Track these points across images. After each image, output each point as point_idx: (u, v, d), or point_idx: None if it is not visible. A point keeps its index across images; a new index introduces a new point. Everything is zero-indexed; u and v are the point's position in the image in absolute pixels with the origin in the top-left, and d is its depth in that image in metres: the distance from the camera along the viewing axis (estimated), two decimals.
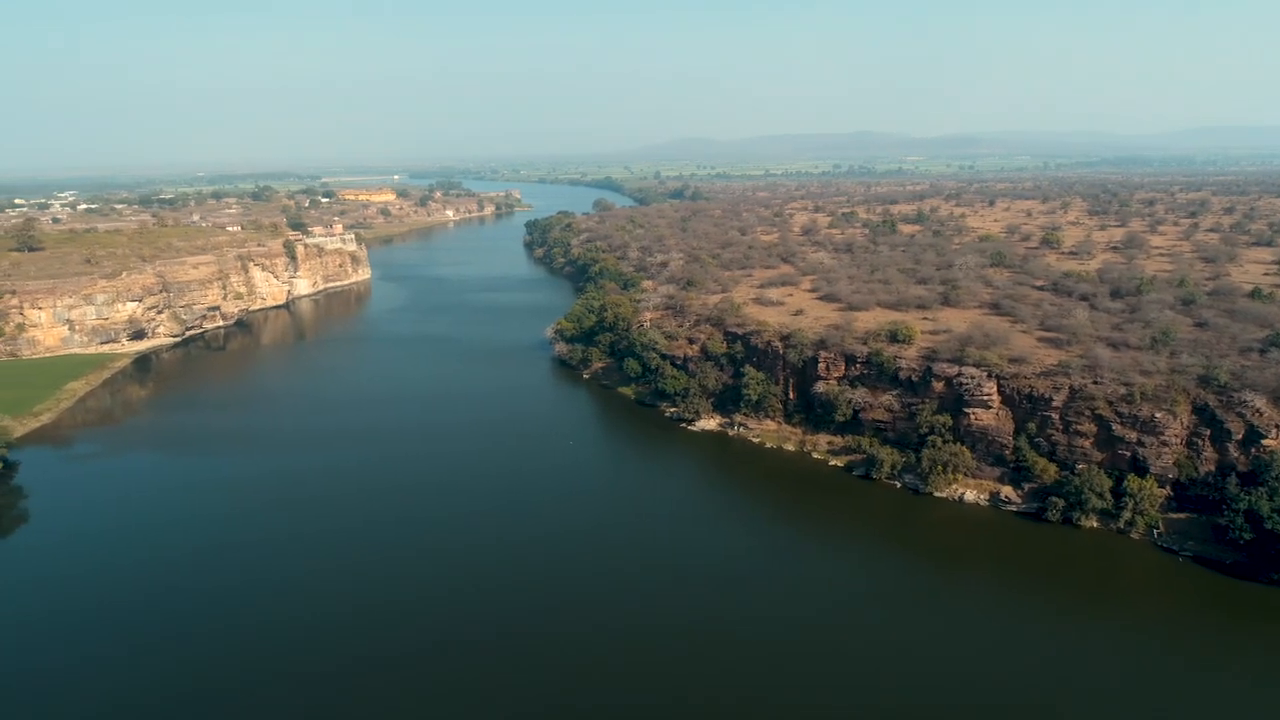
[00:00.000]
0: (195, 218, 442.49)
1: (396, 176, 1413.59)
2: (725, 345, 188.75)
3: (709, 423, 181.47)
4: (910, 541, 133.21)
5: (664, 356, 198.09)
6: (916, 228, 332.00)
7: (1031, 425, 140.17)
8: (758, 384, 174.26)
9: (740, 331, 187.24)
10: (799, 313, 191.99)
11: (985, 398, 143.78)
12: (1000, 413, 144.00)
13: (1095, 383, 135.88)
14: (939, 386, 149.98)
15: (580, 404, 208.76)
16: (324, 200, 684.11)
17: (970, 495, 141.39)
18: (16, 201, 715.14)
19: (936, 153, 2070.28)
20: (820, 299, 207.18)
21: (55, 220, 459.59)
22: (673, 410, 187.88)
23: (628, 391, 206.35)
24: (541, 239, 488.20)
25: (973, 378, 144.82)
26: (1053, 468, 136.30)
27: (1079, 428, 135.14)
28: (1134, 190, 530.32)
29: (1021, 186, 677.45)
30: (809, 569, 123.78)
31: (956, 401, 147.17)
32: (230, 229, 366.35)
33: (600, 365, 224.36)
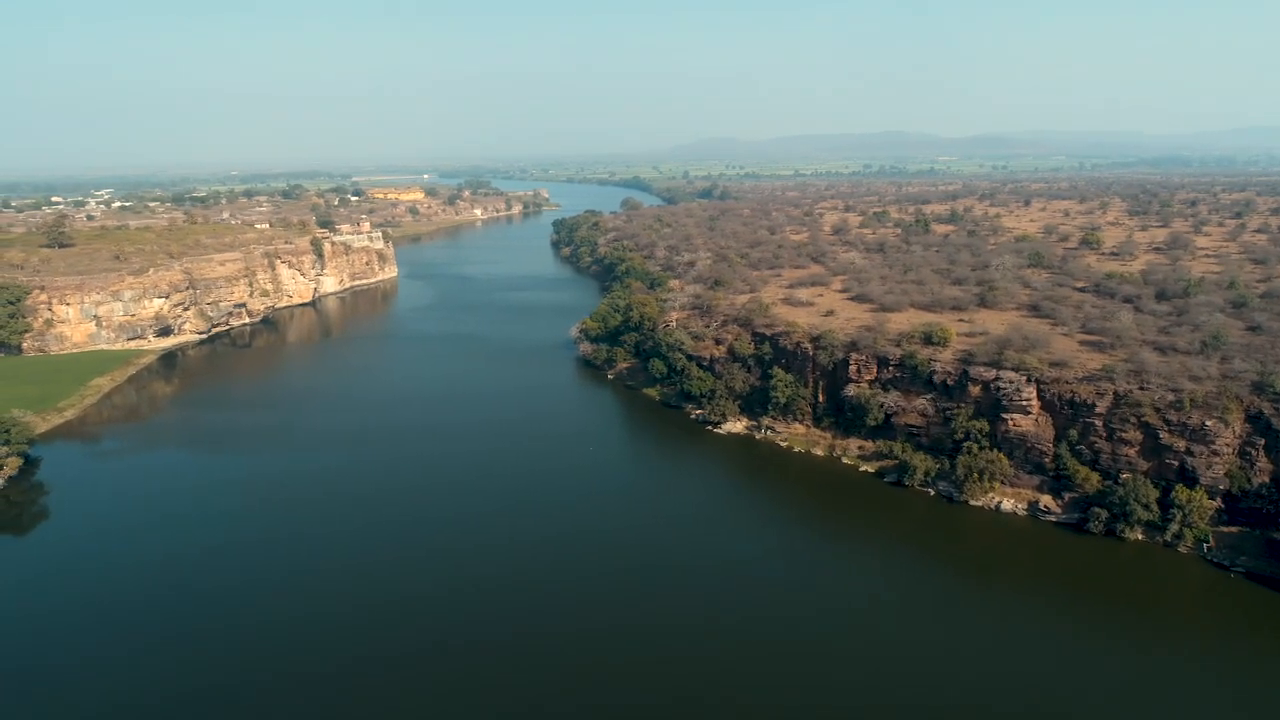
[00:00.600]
0: (225, 215, 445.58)
1: (426, 176, 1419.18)
2: (753, 346, 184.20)
3: (735, 425, 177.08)
4: (942, 550, 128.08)
5: (690, 357, 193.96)
6: (950, 228, 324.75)
7: (1073, 432, 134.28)
8: (786, 386, 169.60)
9: (769, 332, 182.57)
10: (829, 313, 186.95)
11: (1024, 403, 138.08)
12: (1040, 419, 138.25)
13: (1142, 388, 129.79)
14: (975, 390, 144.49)
15: (604, 405, 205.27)
16: (353, 199, 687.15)
17: (1007, 504, 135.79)
18: (54, 199, 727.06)
19: (968, 153, 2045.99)
20: (851, 300, 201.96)
21: (90, 218, 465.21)
22: (698, 412, 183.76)
23: (653, 393, 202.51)
24: (568, 238, 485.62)
25: (1011, 382, 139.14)
26: (1095, 477, 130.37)
27: (1124, 435, 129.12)
28: (1174, 190, 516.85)
29: (1057, 186, 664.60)
30: (832, 575, 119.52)
31: (994, 406, 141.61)
32: (259, 226, 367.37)
33: (625, 366, 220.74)
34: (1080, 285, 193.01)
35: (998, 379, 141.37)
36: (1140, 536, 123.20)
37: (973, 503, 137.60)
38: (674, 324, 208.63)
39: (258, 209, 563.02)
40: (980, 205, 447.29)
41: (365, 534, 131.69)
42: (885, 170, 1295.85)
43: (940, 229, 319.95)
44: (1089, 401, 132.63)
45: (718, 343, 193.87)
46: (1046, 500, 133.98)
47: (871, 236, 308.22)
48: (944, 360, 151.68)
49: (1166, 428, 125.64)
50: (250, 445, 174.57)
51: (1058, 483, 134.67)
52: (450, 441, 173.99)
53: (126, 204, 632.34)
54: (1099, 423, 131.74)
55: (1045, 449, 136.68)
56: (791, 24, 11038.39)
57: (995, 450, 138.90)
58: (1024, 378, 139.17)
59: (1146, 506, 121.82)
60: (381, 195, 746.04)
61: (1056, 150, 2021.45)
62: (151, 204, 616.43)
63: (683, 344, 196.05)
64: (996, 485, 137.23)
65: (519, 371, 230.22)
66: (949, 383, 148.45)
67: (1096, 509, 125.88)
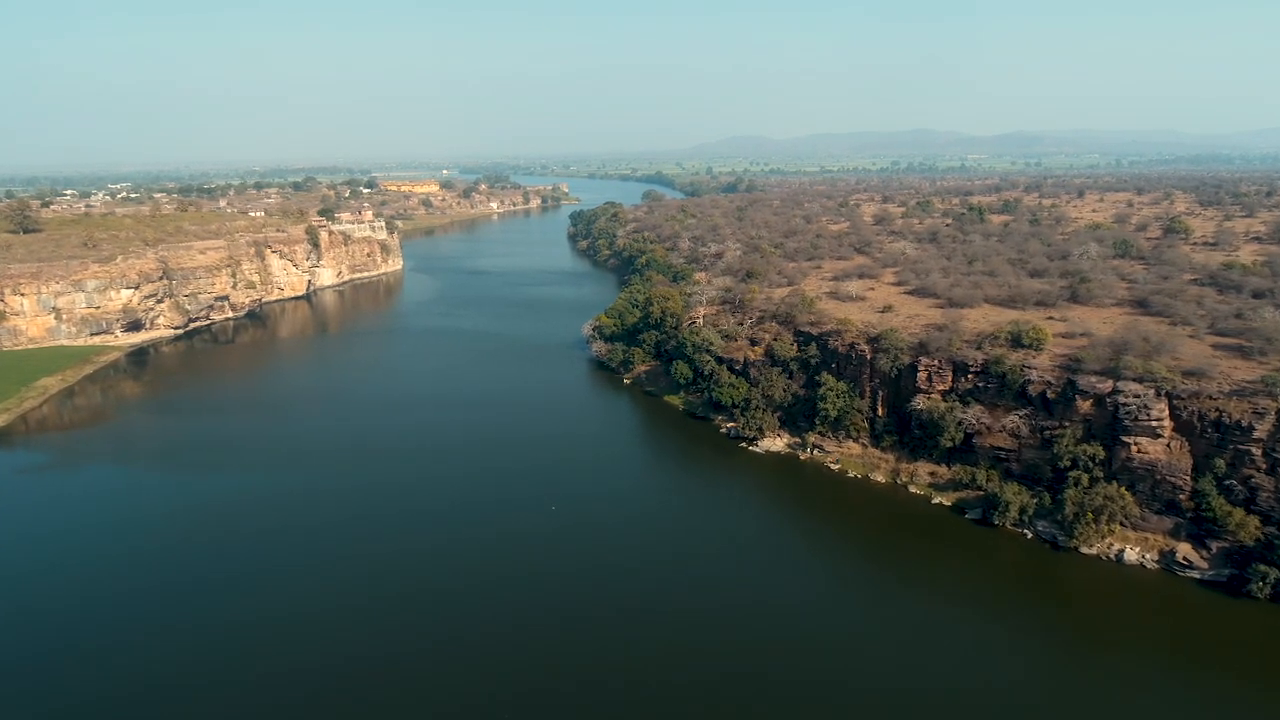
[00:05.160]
0: (222, 204, 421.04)
1: (446, 171, 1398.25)
2: (796, 348, 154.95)
3: (775, 442, 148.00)
4: (1055, 614, 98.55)
5: (720, 360, 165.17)
6: (1006, 217, 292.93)
7: (1220, 462, 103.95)
8: (838, 396, 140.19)
9: (815, 331, 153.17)
10: (887, 309, 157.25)
11: (1153, 423, 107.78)
12: (1173, 444, 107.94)
13: None
14: (1085, 406, 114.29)
15: (618, 414, 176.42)
16: (366, 191, 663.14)
17: (1132, 553, 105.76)
18: (65, 192, 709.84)
19: (999, 150, 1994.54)
20: (910, 294, 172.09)
21: (89, 207, 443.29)
22: (730, 425, 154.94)
23: (675, 400, 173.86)
24: (585, 230, 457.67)
25: (1137, 396, 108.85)
26: (1253, 521, 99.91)
27: None
28: (1234, 184, 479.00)
29: (1102, 180, 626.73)
30: (906, 639, 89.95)
31: (1110, 427, 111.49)
32: (252, 214, 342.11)
33: (644, 368, 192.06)
34: (1191, 278, 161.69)
35: (1116, 391, 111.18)
36: None
37: (1084, 550, 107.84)
38: (700, 321, 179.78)
39: (265, 200, 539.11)
40: (1028, 197, 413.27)
41: (328, 561, 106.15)
42: (915, 167, 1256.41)
43: (996, 219, 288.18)
44: (1243, 423, 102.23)
45: (753, 343, 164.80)
46: (1185, 550, 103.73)
47: (920, 226, 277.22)
48: (1040, 367, 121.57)
49: None
50: (202, 459, 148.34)
51: (1198, 527, 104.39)
52: (434, 456, 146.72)
53: (133, 195, 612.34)
54: (1257, 450, 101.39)
55: (1181, 483, 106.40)
56: (817, 21, 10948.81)
57: (1113, 483, 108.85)
58: (1152, 390, 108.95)
59: None
60: (395, 188, 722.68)
61: (1089, 148, 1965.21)
62: (158, 195, 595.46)
63: (711, 344, 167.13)
64: (1116, 528, 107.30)
65: (525, 375, 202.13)
66: (1049, 395, 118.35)
67: (1260, 565, 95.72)
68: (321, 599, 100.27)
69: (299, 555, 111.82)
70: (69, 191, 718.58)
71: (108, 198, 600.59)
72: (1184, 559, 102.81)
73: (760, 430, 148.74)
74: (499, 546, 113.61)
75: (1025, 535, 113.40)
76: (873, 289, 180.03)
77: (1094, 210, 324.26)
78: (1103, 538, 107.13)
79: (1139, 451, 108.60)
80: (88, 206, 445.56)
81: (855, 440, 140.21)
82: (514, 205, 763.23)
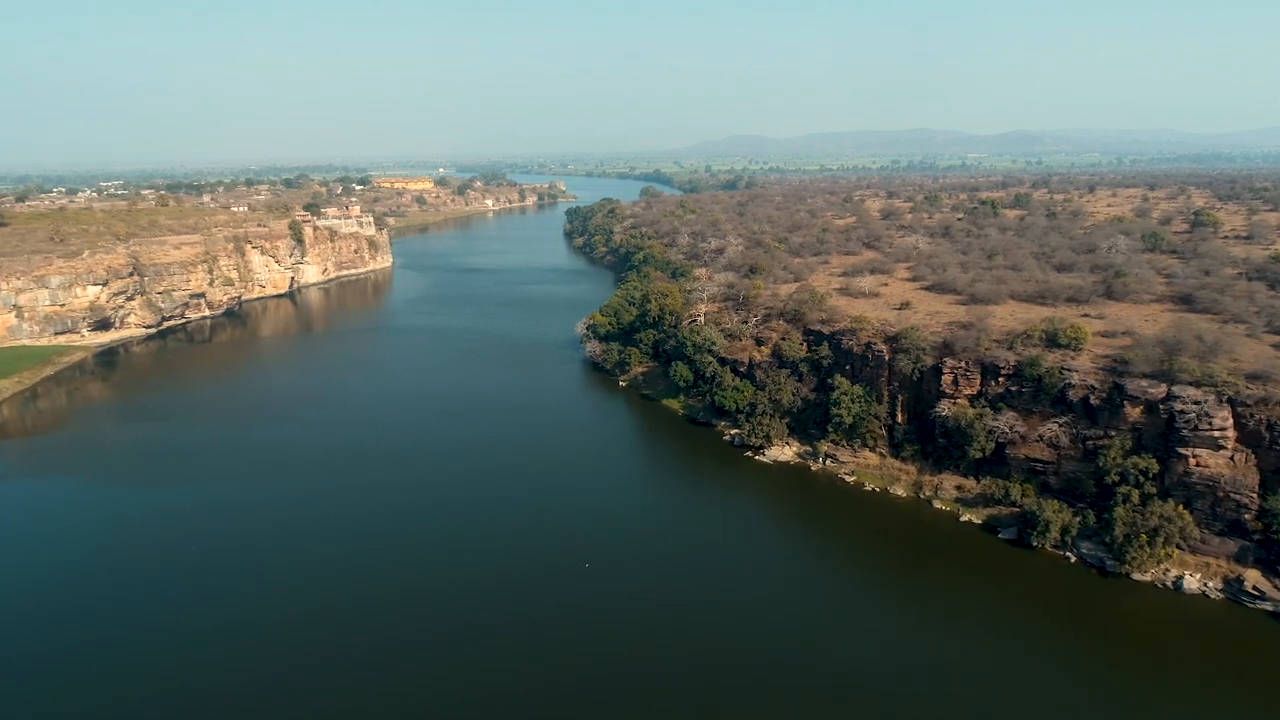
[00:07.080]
0: (205, 199, 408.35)
1: (442, 170, 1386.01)
2: (806, 348, 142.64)
3: (783, 451, 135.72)
4: (1097, 646, 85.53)
5: (723, 361, 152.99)
6: (1020, 211, 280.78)
7: None
8: (853, 401, 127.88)
9: (827, 330, 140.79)
10: (904, 306, 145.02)
11: (1215, 433, 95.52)
12: (1238, 456, 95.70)
13: None
14: (1134, 413, 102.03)
15: (613, 420, 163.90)
16: (358, 188, 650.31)
17: (1192, 581, 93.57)
18: (54, 190, 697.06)
19: (998, 149, 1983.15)
20: (927, 289, 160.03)
21: (71, 202, 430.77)
22: (734, 432, 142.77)
23: (674, 404, 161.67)
24: (582, 227, 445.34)
25: (1196, 402, 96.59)
26: None
27: None
28: (1247, 180, 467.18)
29: (1109, 177, 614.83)
30: (922, 673, 77.40)
31: (1163, 437, 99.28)
32: (234, 209, 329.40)
33: (641, 370, 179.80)
34: (1235, 272, 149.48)
35: (1171, 397, 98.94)
36: None
37: (1137, 576, 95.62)
38: (702, 319, 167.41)
39: (255, 196, 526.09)
40: (1038, 193, 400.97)
41: (314, 563, 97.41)
42: (915, 165, 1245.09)
43: (1009, 213, 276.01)
44: None
45: (758, 343, 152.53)
46: (1254, 577, 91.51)
47: (930, 221, 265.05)
48: (1081, 369, 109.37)
49: None
50: (163, 469, 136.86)
51: (1268, 552, 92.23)
52: (418, 459, 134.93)
53: (120, 192, 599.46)
54: None
55: (1247, 501, 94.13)
56: (818, 21, 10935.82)
57: (1168, 500, 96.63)
58: (1213, 396, 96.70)
59: None
60: (388, 184, 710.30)
61: (1089, 147, 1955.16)
62: (145, 191, 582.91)
63: (713, 344, 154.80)
64: (1174, 551, 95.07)
65: (515, 377, 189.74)
66: (1092, 401, 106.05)
67: None
68: (310, 601, 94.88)
69: (283, 560, 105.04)
70: (57, 189, 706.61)
71: (94, 194, 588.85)
72: (1254, 588, 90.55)
73: (767, 438, 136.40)
74: (484, 550, 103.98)
75: (1068, 558, 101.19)
76: (886, 285, 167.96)
77: (1109, 205, 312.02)
78: (1158, 562, 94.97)
79: (1198, 465, 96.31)
80: (70, 202, 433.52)
81: (872, 449, 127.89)
82: (510, 203, 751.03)
